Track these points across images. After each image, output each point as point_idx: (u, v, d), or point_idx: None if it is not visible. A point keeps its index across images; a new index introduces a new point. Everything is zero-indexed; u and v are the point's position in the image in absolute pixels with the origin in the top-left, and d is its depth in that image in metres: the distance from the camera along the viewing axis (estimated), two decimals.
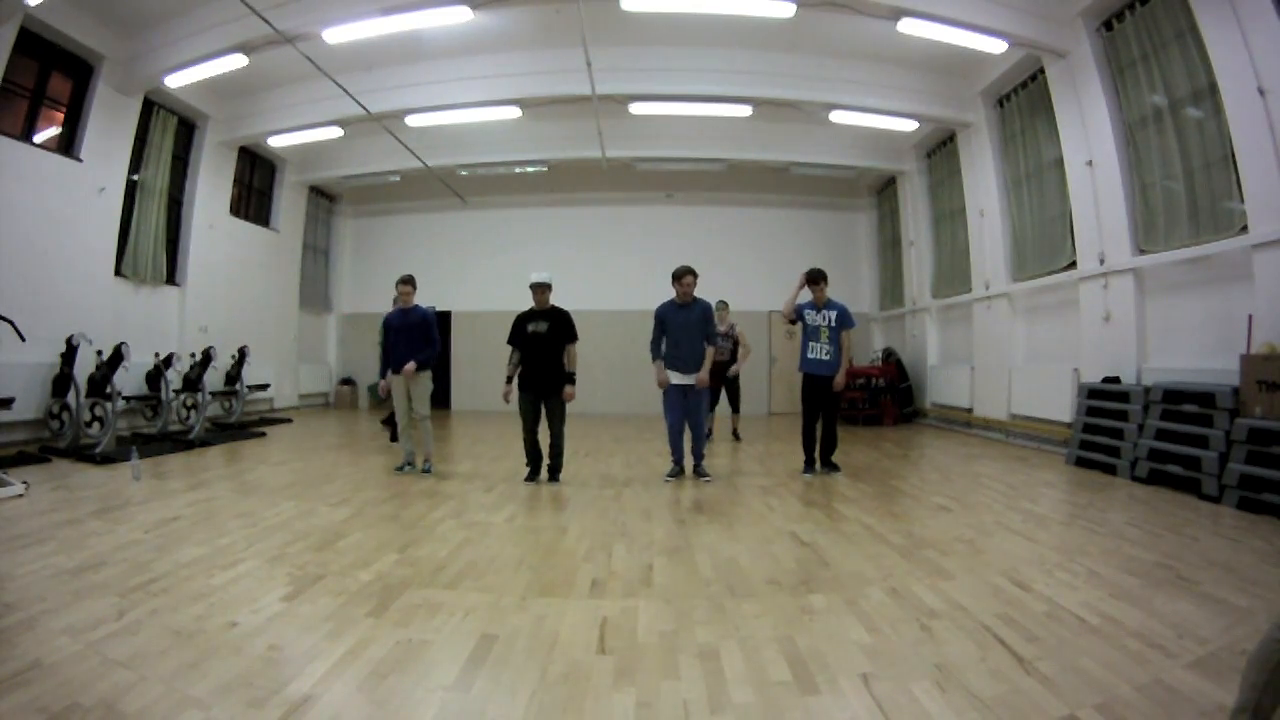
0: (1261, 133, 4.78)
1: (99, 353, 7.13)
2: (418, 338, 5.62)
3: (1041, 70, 7.32)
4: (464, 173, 11.11)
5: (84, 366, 6.93)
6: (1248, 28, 4.86)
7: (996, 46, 7.04)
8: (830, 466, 5.79)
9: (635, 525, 4.05)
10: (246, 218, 10.69)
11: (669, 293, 5.54)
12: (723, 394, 7.98)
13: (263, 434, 8.40)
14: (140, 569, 3.06)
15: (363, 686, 2.03)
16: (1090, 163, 6.59)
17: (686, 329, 5.44)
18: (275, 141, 9.96)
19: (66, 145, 7.46)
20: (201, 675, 2.06)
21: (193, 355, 8.59)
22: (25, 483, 4.68)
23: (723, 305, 7.66)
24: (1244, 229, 5.02)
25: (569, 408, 5.30)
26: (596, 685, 2.06)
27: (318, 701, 1.93)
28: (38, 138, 7.26)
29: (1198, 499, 4.71)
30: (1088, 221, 6.69)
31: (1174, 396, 5.32)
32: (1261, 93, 4.76)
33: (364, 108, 8.37)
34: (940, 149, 10.02)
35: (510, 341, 5.35)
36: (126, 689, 1.96)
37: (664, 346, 5.52)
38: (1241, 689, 1.57)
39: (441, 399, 11.94)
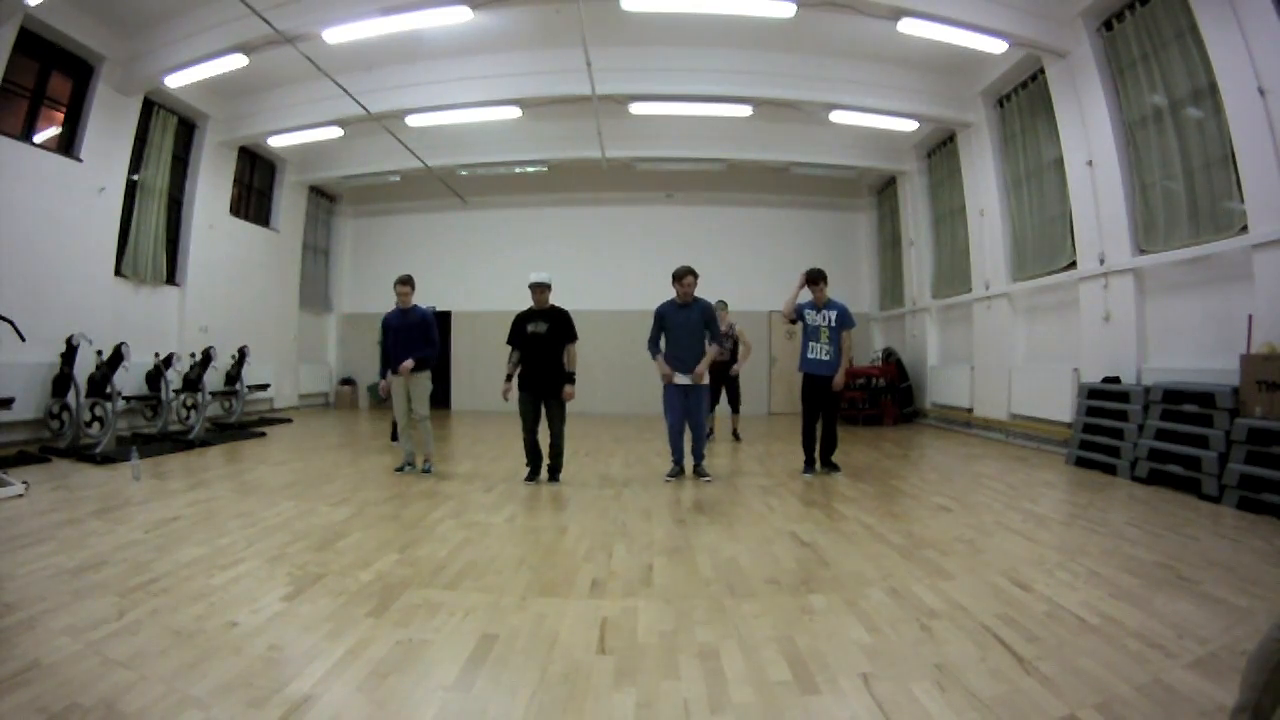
0: (1261, 133, 4.78)
1: (99, 353, 7.13)
2: (417, 338, 5.61)
3: (1041, 70, 7.32)
4: (464, 173, 11.11)
5: (84, 366, 6.93)
6: (1248, 28, 4.86)
7: (997, 46, 7.03)
8: (830, 466, 5.79)
9: (635, 525, 4.05)
10: (246, 218, 10.69)
11: (669, 293, 5.53)
12: (723, 394, 7.98)
13: (263, 434, 8.40)
14: (140, 569, 3.06)
15: (363, 686, 2.03)
16: (1090, 163, 6.59)
17: (687, 329, 5.44)
18: (275, 141, 9.96)
19: (66, 145, 7.46)
20: (201, 675, 2.06)
21: (193, 355, 8.59)
22: (25, 483, 4.67)
23: (722, 305, 7.66)
24: (1244, 229, 5.02)
25: (569, 407, 5.30)
26: (596, 685, 2.06)
27: (318, 701, 1.93)
28: (38, 138, 7.26)
29: (1198, 499, 4.71)
30: (1088, 221, 6.70)
31: (1174, 396, 5.32)
32: (1261, 93, 4.76)
33: (364, 108, 8.37)
34: (940, 149, 10.01)
35: (510, 342, 5.35)
36: (126, 689, 1.96)
37: (663, 345, 5.52)
38: (1241, 689, 1.57)
39: (441, 399, 11.94)
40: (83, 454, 6.11)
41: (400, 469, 5.78)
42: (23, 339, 6.10)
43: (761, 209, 12.27)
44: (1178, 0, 5.50)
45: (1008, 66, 7.72)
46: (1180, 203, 5.71)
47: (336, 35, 7.04)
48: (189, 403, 8.36)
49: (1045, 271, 7.62)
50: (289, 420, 10.12)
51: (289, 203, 11.60)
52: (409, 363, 5.52)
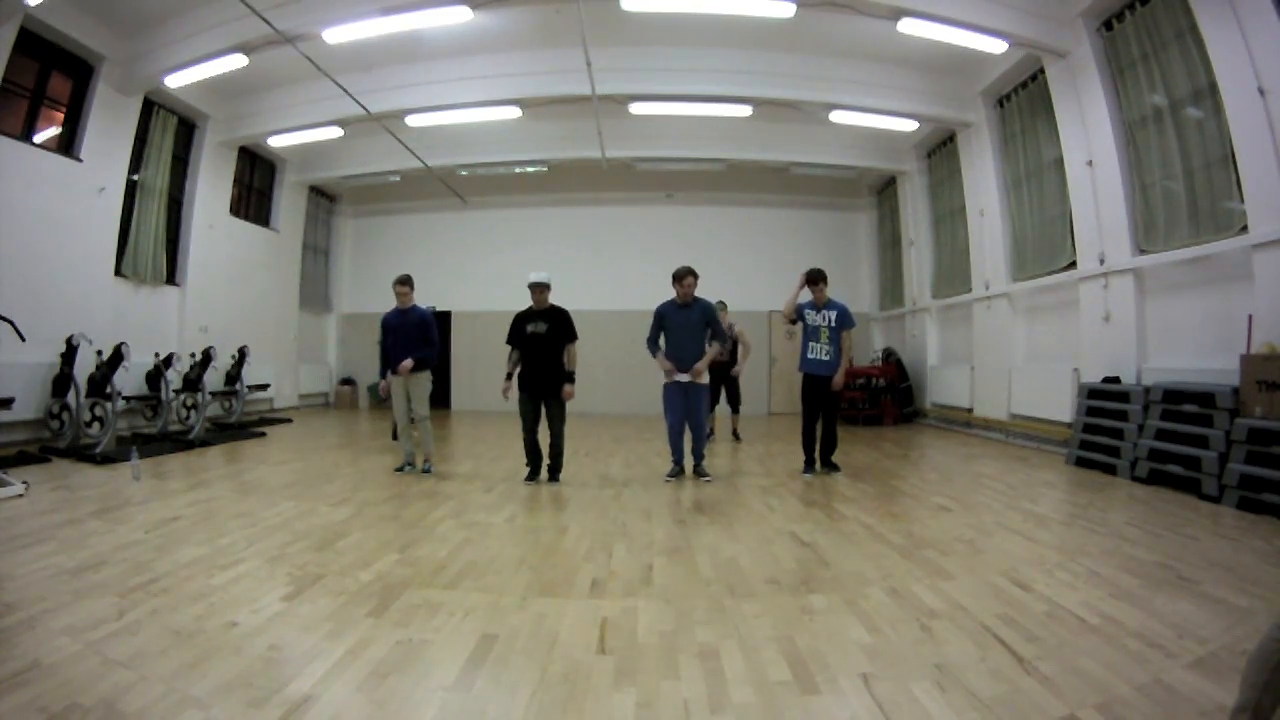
0: (1261, 133, 4.78)
1: (99, 353, 7.14)
2: (416, 338, 5.61)
3: (1041, 70, 7.32)
4: (464, 173, 11.11)
5: (84, 366, 6.94)
6: (1248, 28, 4.85)
7: (997, 46, 7.03)
8: (830, 466, 5.79)
9: (635, 525, 4.05)
10: (246, 218, 10.70)
11: (669, 293, 5.53)
12: (722, 394, 7.98)
13: (263, 434, 8.40)
14: (140, 569, 3.06)
15: (363, 686, 2.03)
16: (1090, 163, 6.59)
17: (687, 329, 5.44)
18: (275, 141, 9.96)
19: (66, 145, 7.46)
20: (201, 675, 2.06)
21: (193, 355, 8.59)
22: (25, 483, 4.67)
23: (721, 305, 7.65)
24: (1244, 229, 5.02)
25: (569, 407, 5.30)
26: (596, 685, 2.06)
27: (318, 701, 1.93)
28: (38, 138, 7.26)
29: (1198, 499, 4.71)
30: (1088, 221, 6.69)
31: (1174, 396, 5.32)
32: (1261, 93, 4.76)
33: (364, 108, 8.37)
34: (940, 149, 10.01)
35: (509, 341, 5.34)
36: (126, 689, 1.96)
37: (663, 344, 5.52)
38: (1241, 689, 1.57)
39: (441, 399, 11.94)
40: (83, 454, 6.11)
41: (400, 469, 5.78)
42: (23, 339, 6.10)
43: (761, 209, 12.27)
44: (1178, 0, 5.50)
45: (1008, 66, 7.73)
46: (1180, 203, 5.70)
47: (336, 35, 7.04)
48: (189, 403, 8.36)
49: (1045, 271, 7.61)
50: (289, 420, 10.12)
51: (289, 203, 11.60)
52: (408, 363, 5.51)
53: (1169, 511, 4.38)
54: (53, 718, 1.80)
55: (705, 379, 5.54)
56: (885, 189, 12.02)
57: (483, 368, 11.82)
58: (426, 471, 5.73)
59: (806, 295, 5.74)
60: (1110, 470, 5.73)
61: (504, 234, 12.46)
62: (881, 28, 7.03)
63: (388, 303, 5.94)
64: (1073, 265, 7.06)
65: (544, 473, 5.43)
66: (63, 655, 2.16)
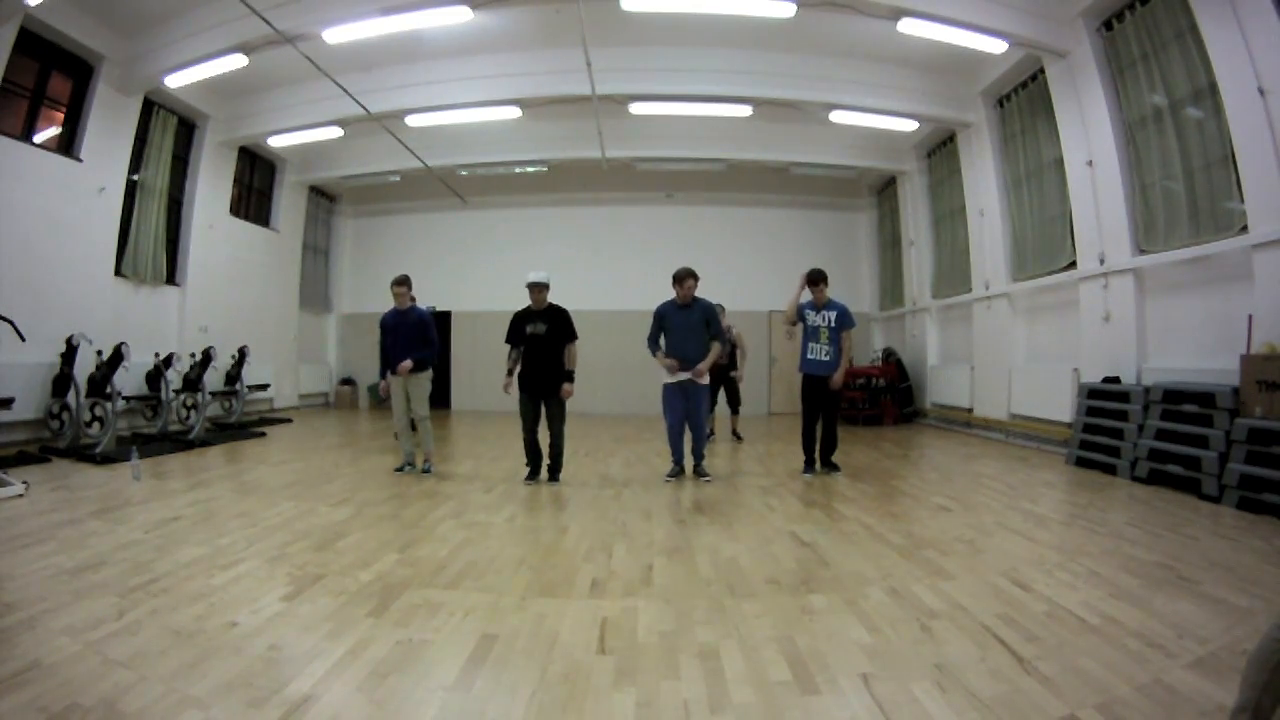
0: (1261, 133, 4.77)
1: (99, 353, 7.14)
2: (415, 338, 5.61)
3: (1041, 70, 7.32)
4: (464, 173, 11.11)
5: (84, 366, 6.94)
6: (1248, 28, 4.85)
7: (997, 46, 7.03)
8: (830, 466, 5.79)
9: (635, 525, 4.05)
10: (246, 218, 10.70)
11: (669, 293, 5.53)
12: (722, 394, 7.98)
13: (263, 434, 8.40)
14: (140, 569, 3.06)
15: (363, 686, 2.03)
16: (1090, 163, 6.59)
17: (687, 329, 5.44)
18: (275, 141, 9.96)
19: (66, 145, 7.46)
20: (201, 675, 2.06)
21: (193, 355, 8.59)
22: (25, 483, 4.67)
23: (719, 309, 7.63)
24: (1244, 229, 5.02)
25: (569, 407, 5.30)
26: (596, 685, 2.06)
27: (318, 701, 1.92)
28: (38, 138, 7.26)
29: (1198, 499, 4.71)
30: (1088, 221, 6.69)
31: (1174, 396, 5.32)
32: (1261, 93, 4.76)
33: (364, 108, 8.37)
34: (940, 149, 10.01)
35: (509, 340, 5.34)
36: (126, 689, 1.96)
37: (663, 345, 5.52)
38: (1241, 689, 1.57)
39: (441, 399, 11.94)
40: (83, 454, 6.11)
41: (400, 469, 5.78)
42: (23, 339, 6.10)
43: (761, 209, 12.27)
44: (1178, 0, 5.50)
45: (1008, 66, 7.72)
46: (1180, 203, 5.70)
47: (336, 35, 7.04)
48: (189, 403, 8.36)
49: (1045, 271, 7.61)
50: (289, 420, 10.12)
51: (289, 203, 11.60)
52: (407, 363, 5.51)
53: (1169, 511, 4.38)
54: (53, 718, 1.80)
55: (705, 379, 5.54)
56: (885, 189, 12.02)
57: (483, 368, 11.82)
58: (426, 471, 5.73)
59: (807, 295, 5.74)
60: (1110, 470, 5.73)
61: (504, 234, 12.46)
62: (881, 28, 7.03)
63: (387, 303, 5.94)
64: (1073, 265, 7.06)
65: (544, 473, 5.43)
66: (63, 655, 2.16)
